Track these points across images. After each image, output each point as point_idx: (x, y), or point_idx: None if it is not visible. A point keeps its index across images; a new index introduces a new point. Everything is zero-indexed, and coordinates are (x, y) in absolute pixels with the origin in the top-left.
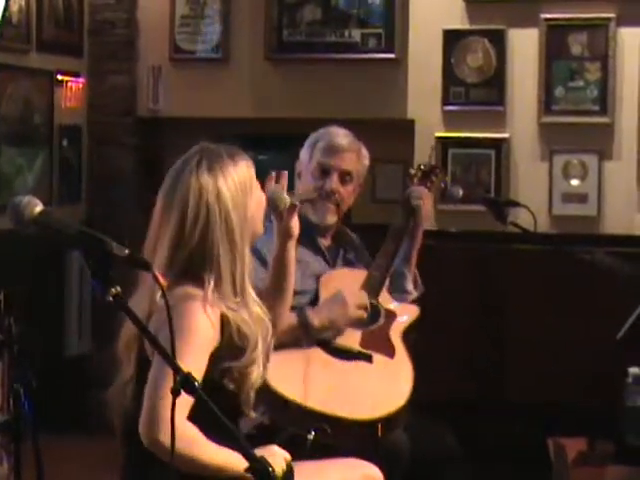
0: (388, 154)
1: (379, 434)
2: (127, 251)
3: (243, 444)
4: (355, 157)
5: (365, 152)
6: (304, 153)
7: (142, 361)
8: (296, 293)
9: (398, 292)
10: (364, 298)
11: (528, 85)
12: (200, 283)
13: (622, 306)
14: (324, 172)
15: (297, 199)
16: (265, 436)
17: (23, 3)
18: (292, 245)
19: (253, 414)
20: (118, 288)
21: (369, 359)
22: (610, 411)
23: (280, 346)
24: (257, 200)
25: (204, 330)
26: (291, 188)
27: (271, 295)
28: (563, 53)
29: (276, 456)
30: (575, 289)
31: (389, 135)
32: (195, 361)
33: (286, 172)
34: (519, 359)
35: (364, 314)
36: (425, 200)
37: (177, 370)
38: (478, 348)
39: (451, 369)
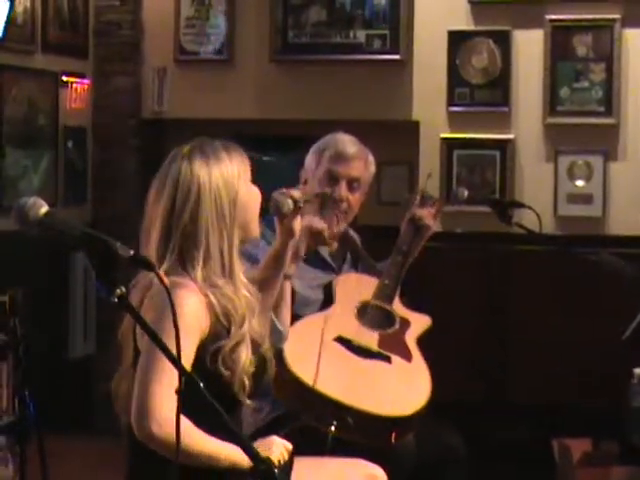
0: (393, 155)
1: (392, 439)
2: (132, 252)
3: (244, 440)
4: (363, 165)
5: (372, 159)
6: (310, 160)
7: (137, 351)
8: (302, 304)
9: None
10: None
11: (533, 86)
12: (191, 263)
13: (627, 307)
14: (332, 180)
15: (301, 200)
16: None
17: (28, 4)
18: (291, 243)
19: (248, 402)
20: (123, 289)
21: (388, 360)
22: (615, 412)
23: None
24: (251, 193)
25: (192, 317)
26: None
27: (260, 288)
28: (568, 54)
29: (274, 445)
30: (580, 290)
31: (394, 136)
32: (183, 347)
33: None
34: (524, 359)
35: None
36: (429, 218)
37: (182, 370)
38: (483, 349)
39: (456, 370)
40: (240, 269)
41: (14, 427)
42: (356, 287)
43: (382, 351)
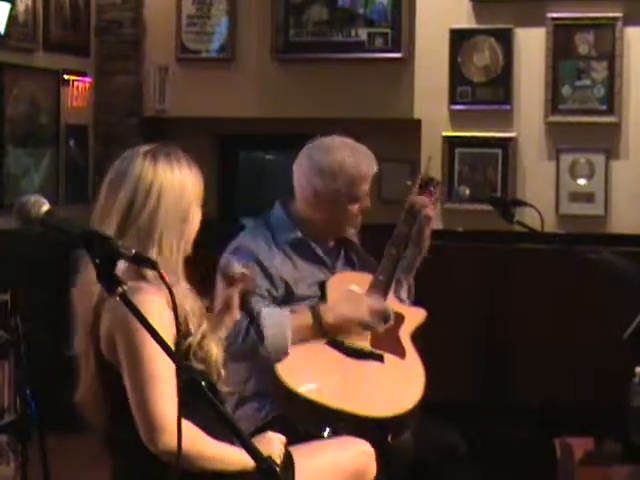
0: (395, 154)
1: (389, 436)
2: (133, 250)
3: (249, 442)
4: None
5: (370, 154)
6: (316, 180)
7: (101, 361)
8: (301, 299)
9: None
10: (380, 304)
11: (535, 84)
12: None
13: (629, 305)
14: (353, 200)
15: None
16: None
17: (30, 3)
18: (227, 321)
19: (226, 388)
20: (125, 287)
21: (381, 359)
22: (617, 411)
23: (292, 343)
24: (199, 213)
25: (161, 318)
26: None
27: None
28: (570, 52)
29: (273, 443)
30: (582, 288)
31: (396, 135)
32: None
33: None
34: (526, 358)
35: (376, 323)
36: (429, 208)
37: (183, 369)
38: (485, 347)
39: (457, 369)
40: (183, 277)
41: (16, 425)
42: (350, 285)
43: (374, 350)
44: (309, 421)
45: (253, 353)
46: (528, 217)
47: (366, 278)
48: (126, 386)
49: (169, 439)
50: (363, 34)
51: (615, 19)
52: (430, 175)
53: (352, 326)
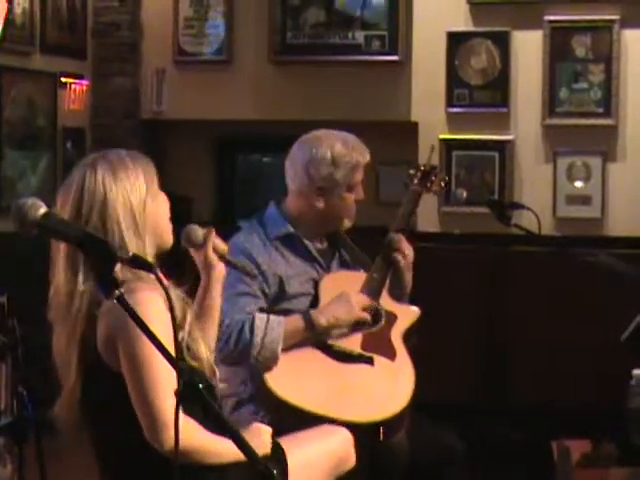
0: (392, 156)
1: (381, 438)
2: (130, 252)
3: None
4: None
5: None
6: (311, 171)
7: (89, 369)
8: (294, 297)
9: None
10: (366, 300)
11: (532, 87)
12: None
13: (626, 308)
14: (349, 188)
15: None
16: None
17: (27, 6)
18: (217, 277)
19: (221, 385)
20: (122, 290)
21: (370, 361)
22: (614, 413)
23: (286, 349)
24: (159, 201)
25: (164, 314)
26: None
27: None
28: (567, 55)
29: (263, 435)
30: (579, 291)
31: (393, 137)
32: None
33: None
34: (523, 360)
35: (368, 316)
36: (406, 252)
37: (180, 370)
38: (482, 350)
39: (454, 371)
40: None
41: (12, 428)
42: (343, 285)
43: (364, 353)
44: (298, 428)
45: (242, 358)
46: (525, 220)
47: (360, 277)
48: (129, 387)
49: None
50: (360, 37)
51: (612, 22)
52: (430, 164)
53: (345, 328)
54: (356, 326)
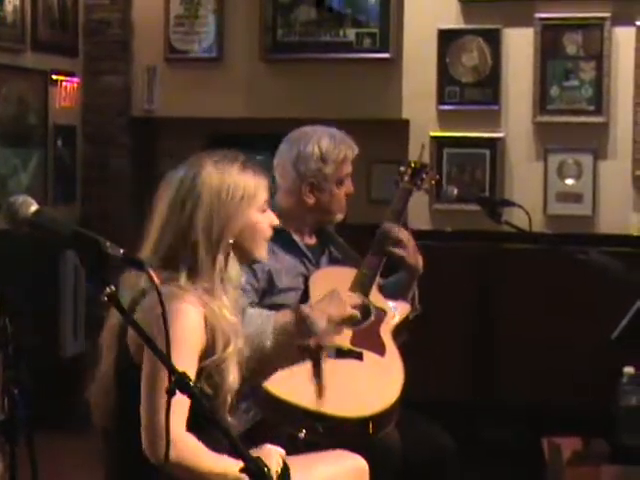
0: (383, 154)
1: (370, 432)
2: (122, 251)
3: (238, 444)
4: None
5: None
6: (300, 166)
7: (122, 361)
8: (284, 291)
9: None
10: (357, 297)
11: (523, 84)
12: (176, 265)
13: (617, 306)
14: (338, 182)
15: (325, 343)
16: (261, 434)
17: (18, 3)
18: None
19: (229, 418)
20: (113, 288)
21: (359, 357)
22: (605, 411)
23: (276, 346)
24: (258, 217)
25: (194, 333)
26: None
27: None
28: (558, 52)
29: (272, 455)
30: (570, 289)
31: (384, 135)
32: (187, 367)
33: None
34: (514, 358)
35: (357, 313)
36: (404, 240)
37: (172, 370)
38: (473, 347)
39: (446, 369)
40: (223, 290)
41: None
42: (333, 281)
43: (354, 348)
44: (287, 423)
45: None
46: (516, 217)
47: (349, 273)
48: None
49: (171, 454)
50: (351, 34)
51: (603, 19)
52: (421, 162)
53: (335, 324)
54: (346, 322)
